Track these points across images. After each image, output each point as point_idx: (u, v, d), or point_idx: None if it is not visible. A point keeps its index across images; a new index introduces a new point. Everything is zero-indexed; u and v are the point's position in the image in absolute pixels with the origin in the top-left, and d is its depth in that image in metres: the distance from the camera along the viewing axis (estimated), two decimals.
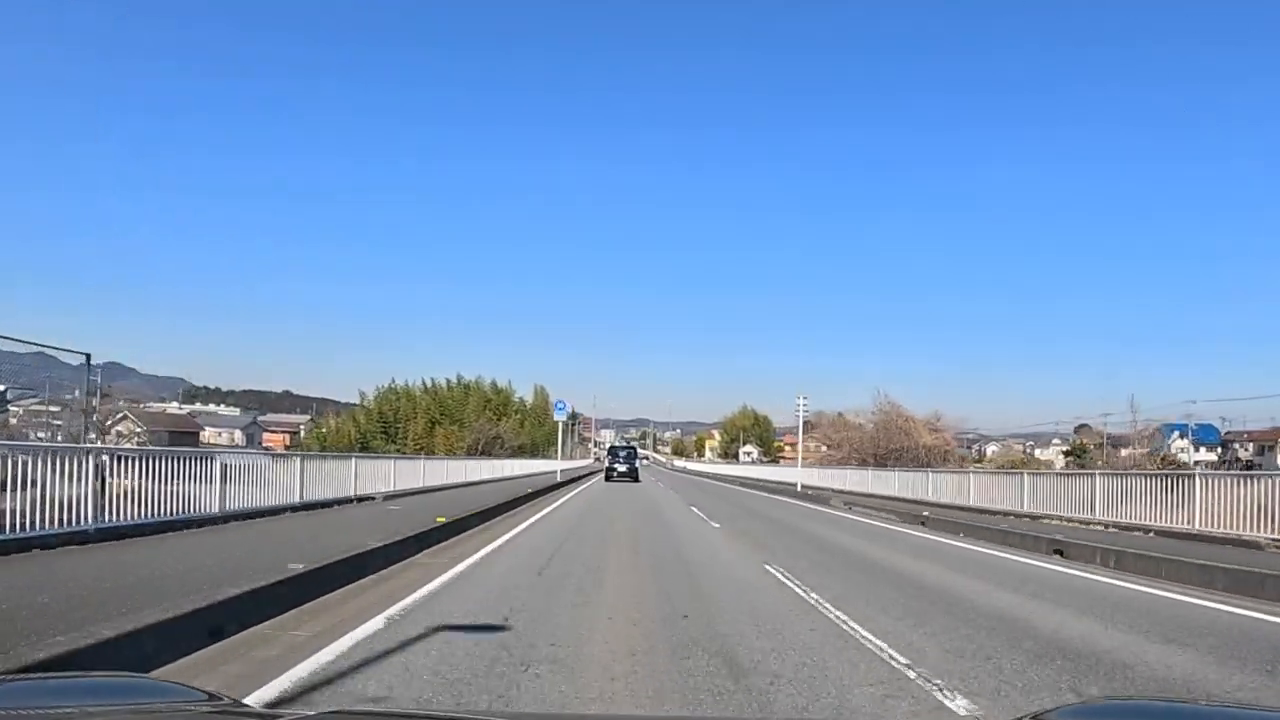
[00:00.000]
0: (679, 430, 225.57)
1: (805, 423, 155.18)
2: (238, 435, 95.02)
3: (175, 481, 10.17)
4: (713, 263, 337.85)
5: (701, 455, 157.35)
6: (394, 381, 68.71)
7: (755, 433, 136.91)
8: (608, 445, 78.04)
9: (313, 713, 1.56)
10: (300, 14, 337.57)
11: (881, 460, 45.04)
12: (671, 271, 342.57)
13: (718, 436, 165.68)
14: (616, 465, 44.19)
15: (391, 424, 65.69)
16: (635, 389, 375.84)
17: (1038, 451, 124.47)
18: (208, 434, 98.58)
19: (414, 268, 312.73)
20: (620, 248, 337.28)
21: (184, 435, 75.17)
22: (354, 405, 72.00)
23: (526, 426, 70.14)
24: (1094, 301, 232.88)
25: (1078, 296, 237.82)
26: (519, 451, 65.79)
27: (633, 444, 71.68)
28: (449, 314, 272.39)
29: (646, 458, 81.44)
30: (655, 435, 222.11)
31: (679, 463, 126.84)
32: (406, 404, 66.94)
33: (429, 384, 70.24)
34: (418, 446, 63.49)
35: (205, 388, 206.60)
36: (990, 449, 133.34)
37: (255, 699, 4.13)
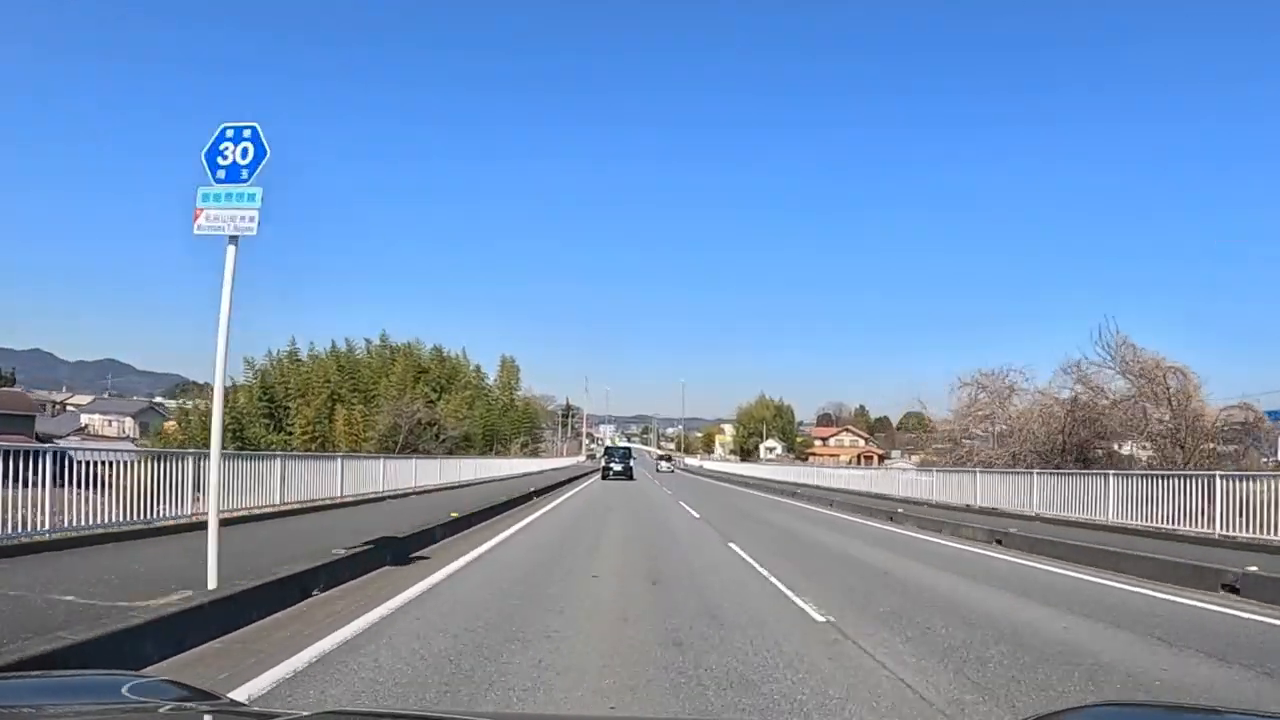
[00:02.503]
0: (681, 426, 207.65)
1: (825, 416, 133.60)
2: (128, 424, 74.75)
3: None
4: (711, 261, 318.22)
5: (710, 452, 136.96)
6: (294, 343, 47.98)
7: (777, 425, 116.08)
8: (605, 444, 76.21)
9: (308, 713, 1.51)
10: (298, 13, 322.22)
11: (1082, 457, 24.52)
12: (671, 269, 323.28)
13: (729, 431, 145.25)
14: (613, 465, 44.29)
15: (281, 403, 45.09)
16: (637, 386, 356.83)
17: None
18: (96, 422, 79.07)
19: (413, 263, 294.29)
20: (617, 246, 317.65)
21: (9, 419, 54.79)
22: None
23: (479, 409, 49.60)
24: (1098, 295, 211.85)
25: (1081, 291, 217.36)
26: (464, 446, 45.14)
27: (629, 445, 71.51)
28: (447, 310, 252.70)
29: (667, 457, 65.36)
30: (659, 431, 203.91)
31: (691, 460, 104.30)
32: (312, 374, 46.37)
33: (343, 346, 49.60)
34: (308, 436, 42.99)
35: (197, 383, 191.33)
36: None
37: None
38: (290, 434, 43.25)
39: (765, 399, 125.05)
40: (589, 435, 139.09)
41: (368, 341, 49.86)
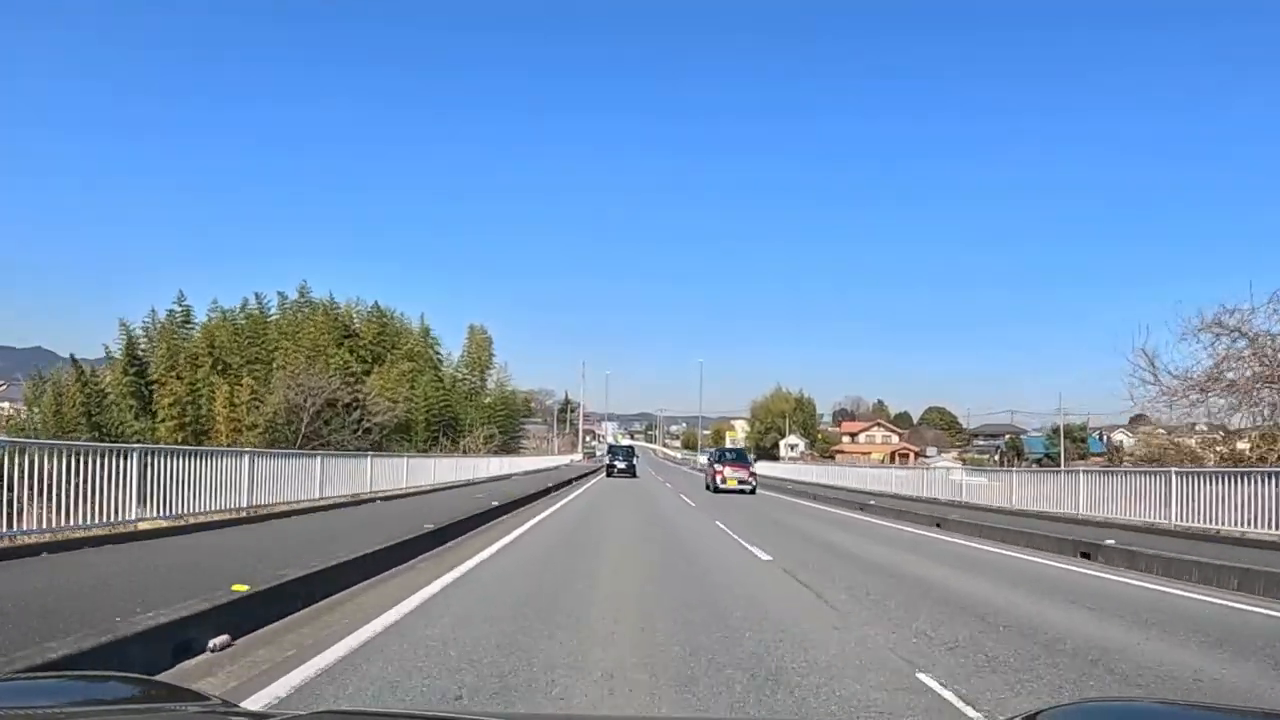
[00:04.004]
0: (684, 424, 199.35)
1: (843, 411, 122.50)
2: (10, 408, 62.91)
3: None
4: (710, 255, 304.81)
5: None
6: (183, 300, 35.59)
7: (798, 420, 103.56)
8: (608, 443, 78.99)
9: (305, 712, 1.53)
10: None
11: None
12: (671, 266, 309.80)
13: (739, 428, 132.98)
14: (617, 462, 45.37)
15: (153, 378, 32.79)
16: (639, 386, 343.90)
17: (1190, 440, 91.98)
18: (5, 409, 67.56)
19: (407, 255, 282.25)
20: (617, 241, 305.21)
21: None
22: None
23: (424, 388, 37.07)
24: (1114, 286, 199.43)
25: (1094, 283, 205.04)
26: (399, 437, 32.87)
27: (632, 444, 70.55)
28: (443, 303, 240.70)
29: (738, 457, 36.37)
30: (667, 429, 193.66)
31: (702, 459, 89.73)
32: (199, 340, 34.19)
33: (256, 305, 37.22)
34: (176, 421, 30.80)
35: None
36: (1120, 436, 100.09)
37: None
38: (155, 423, 31.10)
39: (783, 391, 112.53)
40: (590, 432, 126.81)
41: (281, 297, 37.36)
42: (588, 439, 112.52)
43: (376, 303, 39.65)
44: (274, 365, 32.24)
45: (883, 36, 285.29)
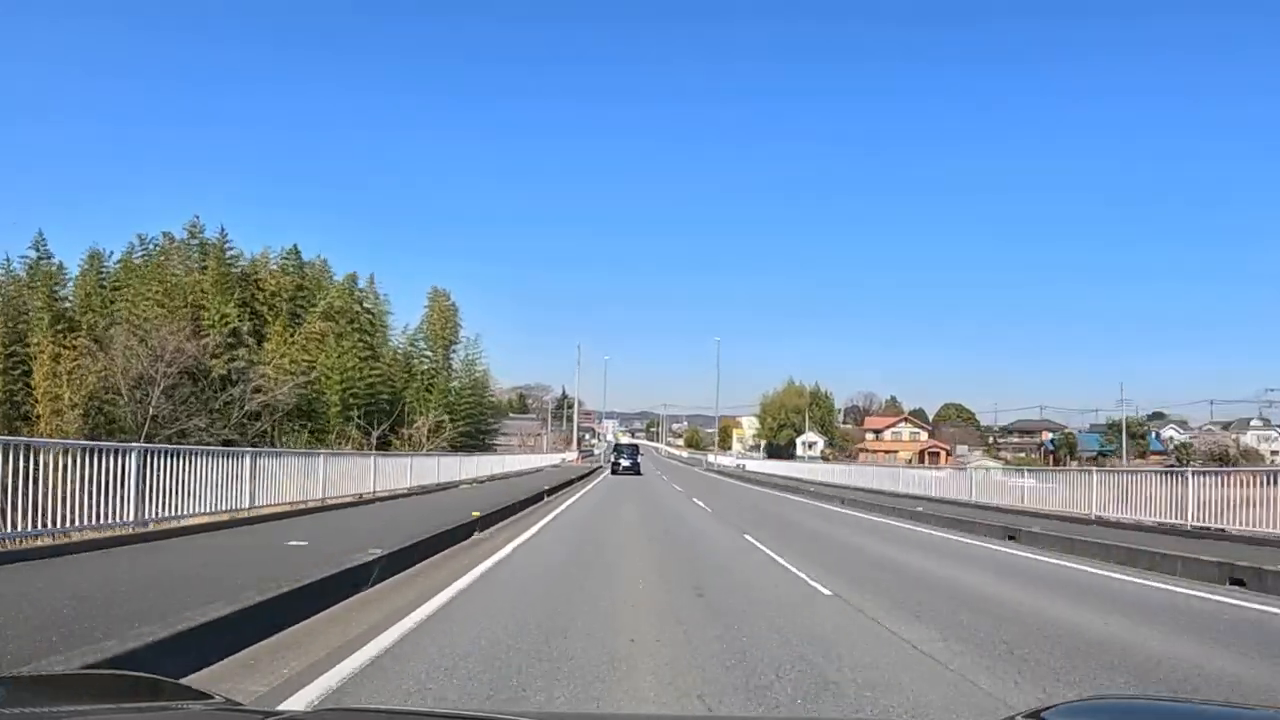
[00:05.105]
0: (686, 422, 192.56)
1: (855, 408, 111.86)
2: None
3: None
4: (708, 251, 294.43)
5: (727, 448, 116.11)
6: (41, 241, 26.80)
7: (815, 416, 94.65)
8: (612, 442, 78.51)
9: (310, 711, 1.51)
10: None
11: None
12: (670, 263, 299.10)
13: (747, 425, 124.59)
14: (621, 460, 45.76)
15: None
16: (640, 385, 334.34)
17: (1244, 438, 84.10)
18: None
19: (403, 244, 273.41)
20: (614, 236, 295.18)
21: None
22: None
23: (341, 356, 27.81)
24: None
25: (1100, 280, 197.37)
26: (299, 425, 24.14)
27: (636, 443, 73.35)
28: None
29: None
30: (670, 427, 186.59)
31: (724, 460, 77.27)
32: (40, 296, 25.54)
33: (142, 252, 28.42)
34: None
35: None
36: (1169, 432, 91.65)
37: None
38: None
39: (796, 385, 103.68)
40: (589, 430, 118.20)
41: (168, 238, 28.26)
42: (586, 436, 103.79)
43: (296, 246, 30.61)
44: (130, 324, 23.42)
45: (874, 28, 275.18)
